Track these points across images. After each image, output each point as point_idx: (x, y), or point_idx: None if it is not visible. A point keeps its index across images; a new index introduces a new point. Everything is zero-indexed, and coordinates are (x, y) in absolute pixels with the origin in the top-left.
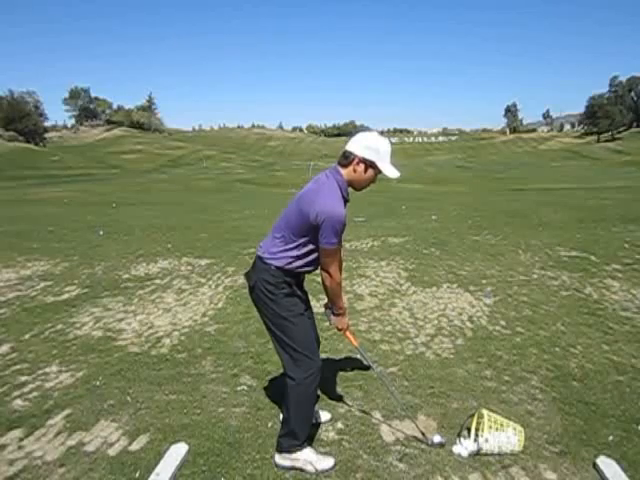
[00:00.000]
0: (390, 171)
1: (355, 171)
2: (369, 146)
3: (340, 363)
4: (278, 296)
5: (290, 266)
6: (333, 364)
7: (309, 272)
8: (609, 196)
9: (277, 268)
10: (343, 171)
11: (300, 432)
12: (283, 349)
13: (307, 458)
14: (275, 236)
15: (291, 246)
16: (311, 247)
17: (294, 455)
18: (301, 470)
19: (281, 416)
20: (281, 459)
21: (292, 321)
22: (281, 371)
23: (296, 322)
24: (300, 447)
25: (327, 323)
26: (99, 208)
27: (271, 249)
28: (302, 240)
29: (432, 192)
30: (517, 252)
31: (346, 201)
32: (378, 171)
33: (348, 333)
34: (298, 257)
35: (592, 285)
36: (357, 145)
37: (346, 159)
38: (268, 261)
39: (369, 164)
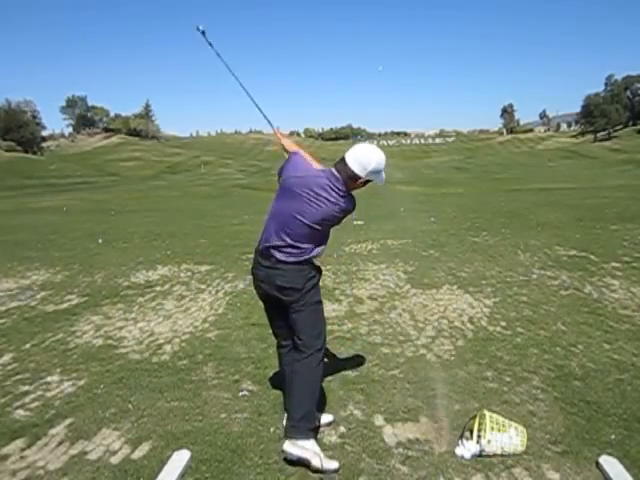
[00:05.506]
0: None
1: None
2: (357, 159)
3: (341, 366)
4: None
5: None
6: (334, 367)
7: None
8: (607, 195)
9: None
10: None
11: (314, 411)
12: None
13: (316, 450)
14: None
15: None
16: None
17: (304, 442)
18: (308, 463)
19: (284, 420)
20: (291, 446)
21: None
22: (282, 376)
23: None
24: (312, 433)
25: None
26: (98, 216)
27: None
28: None
29: (430, 194)
30: (516, 252)
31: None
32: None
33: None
34: None
35: (592, 284)
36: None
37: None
38: None
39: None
